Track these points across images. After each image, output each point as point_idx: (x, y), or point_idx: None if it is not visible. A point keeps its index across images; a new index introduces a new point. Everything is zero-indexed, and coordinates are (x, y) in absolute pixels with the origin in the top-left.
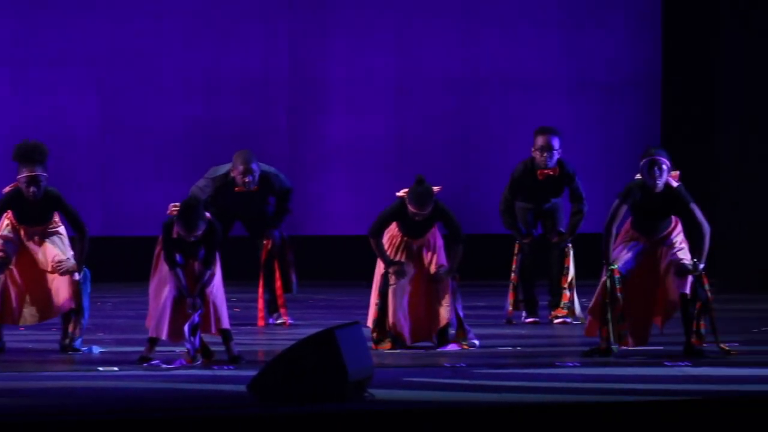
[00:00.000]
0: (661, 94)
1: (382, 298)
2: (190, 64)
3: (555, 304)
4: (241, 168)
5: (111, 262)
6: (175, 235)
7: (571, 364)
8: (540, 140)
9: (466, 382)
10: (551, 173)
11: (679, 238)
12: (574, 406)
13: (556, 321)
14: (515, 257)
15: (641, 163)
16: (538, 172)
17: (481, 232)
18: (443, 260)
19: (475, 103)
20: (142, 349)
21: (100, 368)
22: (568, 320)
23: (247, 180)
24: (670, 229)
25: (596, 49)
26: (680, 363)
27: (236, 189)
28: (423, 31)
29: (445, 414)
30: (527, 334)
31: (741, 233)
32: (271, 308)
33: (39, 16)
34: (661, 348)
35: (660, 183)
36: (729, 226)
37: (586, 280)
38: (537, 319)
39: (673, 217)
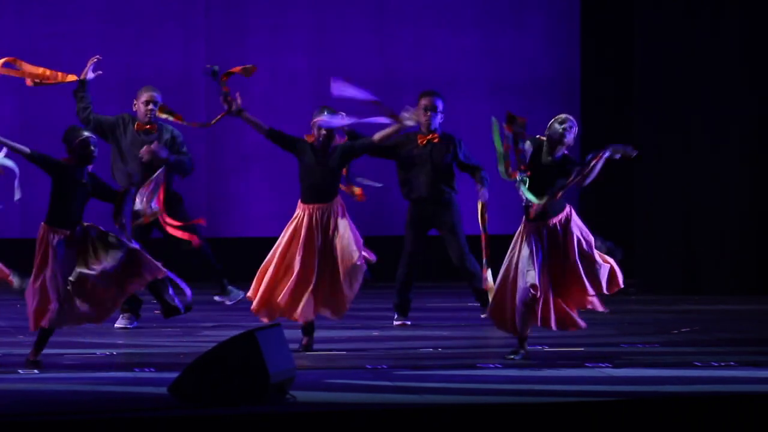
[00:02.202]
0: (580, 94)
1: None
2: (106, 66)
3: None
4: (144, 96)
5: (29, 264)
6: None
7: (492, 366)
8: (424, 101)
9: (388, 383)
10: (432, 138)
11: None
12: (496, 407)
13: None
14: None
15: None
16: (419, 137)
17: (390, 233)
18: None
19: (394, 105)
20: (62, 351)
21: (21, 371)
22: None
23: (149, 108)
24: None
25: (514, 49)
26: (601, 364)
27: (136, 126)
28: (340, 30)
29: (366, 415)
30: (449, 335)
31: (660, 234)
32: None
33: None
34: (582, 350)
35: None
36: (648, 226)
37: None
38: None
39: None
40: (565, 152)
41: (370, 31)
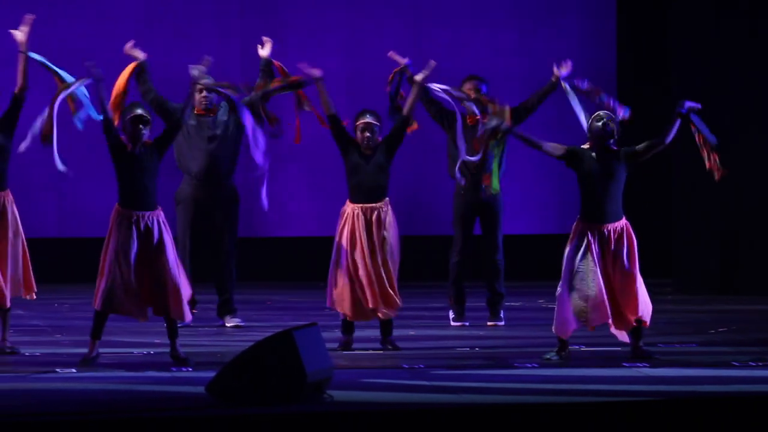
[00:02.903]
0: (616, 94)
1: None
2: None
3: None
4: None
5: (67, 264)
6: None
7: (529, 365)
8: (468, 85)
9: (425, 383)
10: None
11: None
12: (533, 407)
13: None
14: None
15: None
16: (468, 118)
17: (432, 233)
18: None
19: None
20: (99, 351)
21: (58, 369)
22: None
23: (203, 95)
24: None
25: (549, 49)
26: (638, 364)
27: (195, 111)
28: (375, 31)
29: (403, 415)
30: (486, 335)
31: (697, 233)
32: (224, 309)
33: None
34: (619, 349)
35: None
36: (685, 226)
37: (529, 281)
38: (465, 323)
39: None
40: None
41: (405, 31)
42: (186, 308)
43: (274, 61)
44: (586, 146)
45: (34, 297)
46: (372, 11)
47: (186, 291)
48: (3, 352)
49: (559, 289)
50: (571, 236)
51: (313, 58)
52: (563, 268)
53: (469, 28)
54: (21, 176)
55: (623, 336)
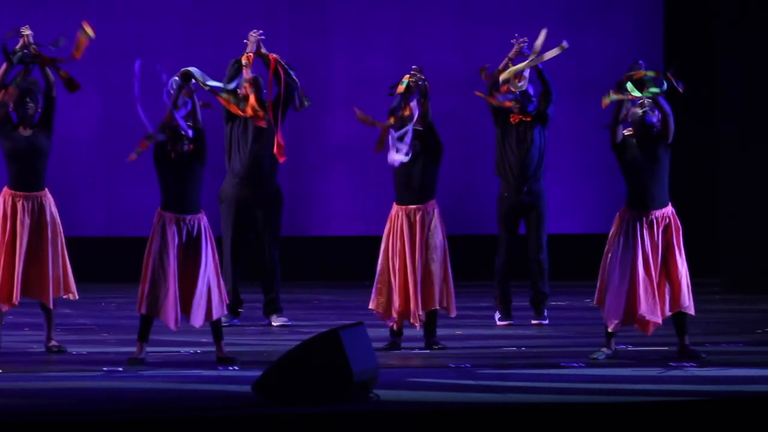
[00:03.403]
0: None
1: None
2: (190, 63)
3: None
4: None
5: (114, 263)
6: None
7: (576, 365)
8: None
9: (471, 382)
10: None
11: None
12: (579, 406)
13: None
14: None
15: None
16: (512, 117)
17: (481, 232)
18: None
19: (476, 103)
20: (147, 350)
21: (105, 368)
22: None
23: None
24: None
25: (598, 48)
26: (685, 364)
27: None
28: (423, 30)
29: (449, 415)
30: (532, 334)
31: (745, 232)
32: (270, 309)
33: (40, 15)
34: (666, 349)
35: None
36: (733, 225)
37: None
38: (511, 322)
39: None
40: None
41: (452, 29)
42: (215, 310)
43: (271, 55)
44: (627, 132)
45: (73, 297)
46: (420, 11)
47: (222, 295)
48: (50, 351)
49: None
50: (616, 222)
51: (361, 57)
52: (607, 257)
53: (517, 28)
54: (68, 176)
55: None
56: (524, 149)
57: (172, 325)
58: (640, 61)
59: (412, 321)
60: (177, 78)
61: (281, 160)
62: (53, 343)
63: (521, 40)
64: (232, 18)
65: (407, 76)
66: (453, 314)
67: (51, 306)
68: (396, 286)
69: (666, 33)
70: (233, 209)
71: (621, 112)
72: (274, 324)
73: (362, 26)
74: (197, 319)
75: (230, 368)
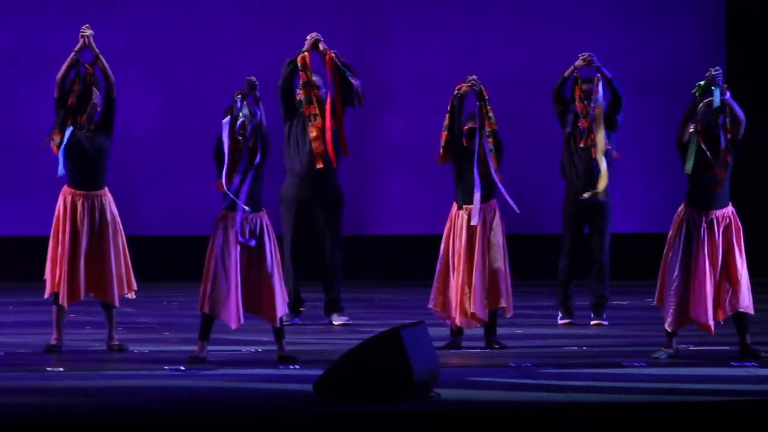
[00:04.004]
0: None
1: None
2: (250, 63)
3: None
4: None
5: (175, 262)
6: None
7: (637, 364)
8: (584, 87)
9: (532, 381)
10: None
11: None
12: (641, 406)
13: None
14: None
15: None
16: (580, 121)
17: (544, 232)
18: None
19: (537, 103)
20: (208, 348)
21: (166, 367)
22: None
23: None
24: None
25: (657, 48)
26: (746, 363)
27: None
28: (483, 29)
29: (510, 414)
30: (594, 333)
31: None
32: (332, 308)
33: (100, 16)
34: (728, 348)
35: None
36: None
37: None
38: (572, 321)
39: None
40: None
41: (513, 29)
42: (278, 312)
43: (330, 52)
44: (692, 130)
45: (134, 296)
46: (480, 10)
47: (284, 294)
48: (111, 349)
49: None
50: (675, 222)
51: (421, 56)
52: (667, 257)
53: (576, 28)
54: (130, 175)
55: (712, 328)
56: (591, 154)
57: (233, 324)
58: (718, 68)
59: (466, 322)
60: (240, 94)
61: (333, 164)
62: (115, 341)
63: (587, 55)
64: (293, 17)
65: (463, 84)
66: (509, 314)
67: (117, 304)
68: (455, 285)
69: (727, 33)
70: (293, 209)
71: (694, 112)
72: (335, 323)
73: (422, 25)
74: (272, 316)
75: (291, 367)
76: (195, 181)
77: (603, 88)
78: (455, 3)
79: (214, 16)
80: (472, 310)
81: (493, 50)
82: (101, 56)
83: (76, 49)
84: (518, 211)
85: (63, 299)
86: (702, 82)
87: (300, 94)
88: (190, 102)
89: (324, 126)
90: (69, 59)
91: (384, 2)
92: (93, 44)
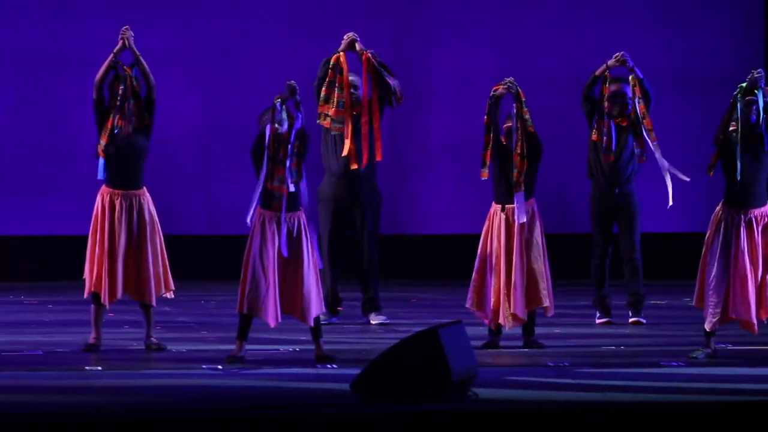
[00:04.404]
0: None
1: None
2: (291, 63)
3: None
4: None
5: (215, 261)
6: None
7: (675, 364)
8: (613, 87)
9: (570, 381)
10: (620, 122)
11: None
12: (679, 405)
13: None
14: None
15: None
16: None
17: (580, 231)
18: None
19: (577, 102)
20: (246, 348)
21: (204, 366)
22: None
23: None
24: None
25: (698, 47)
26: None
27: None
28: (523, 29)
29: (548, 414)
30: (631, 333)
31: None
32: (369, 307)
33: (140, 17)
34: (766, 348)
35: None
36: None
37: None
38: (610, 320)
39: None
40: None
41: (553, 29)
42: (313, 312)
43: (367, 52)
44: (732, 129)
45: (172, 295)
46: (520, 9)
47: (319, 295)
48: (149, 348)
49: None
50: (713, 222)
51: (461, 56)
52: (706, 256)
53: (617, 27)
54: (169, 175)
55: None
56: (617, 153)
57: (272, 322)
58: (761, 71)
59: (502, 321)
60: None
61: (363, 165)
62: (153, 340)
63: (621, 54)
64: (334, 17)
65: (499, 85)
66: (551, 314)
67: (153, 304)
68: (493, 284)
69: (767, 30)
70: (331, 208)
71: (733, 113)
72: (372, 322)
73: (463, 25)
74: (306, 316)
75: (329, 366)
76: (232, 180)
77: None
78: (495, 2)
79: (252, 16)
80: (512, 311)
81: (532, 49)
82: (141, 57)
83: (115, 50)
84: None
85: (103, 298)
86: (744, 84)
87: (324, 92)
88: (228, 102)
89: (353, 128)
90: (108, 61)
91: (422, 2)
92: (133, 45)
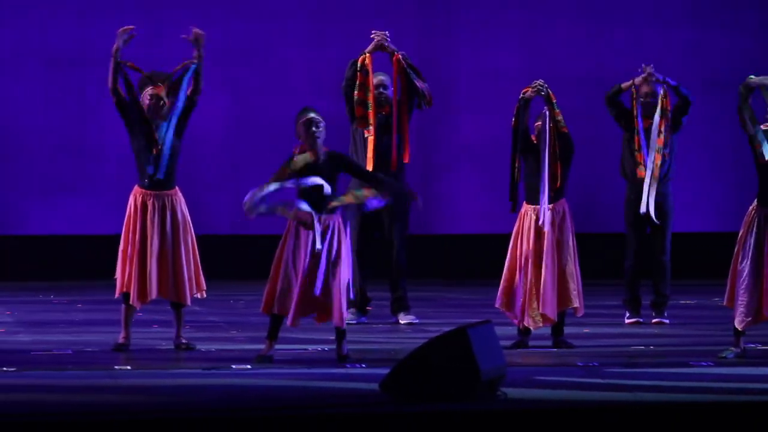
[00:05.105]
0: None
1: None
2: (317, 63)
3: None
4: (376, 80)
5: (242, 261)
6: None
7: (705, 364)
8: (644, 88)
9: (599, 381)
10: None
11: None
12: (708, 405)
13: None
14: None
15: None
16: (643, 121)
17: (610, 231)
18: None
19: (602, 102)
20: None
21: (233, 366)
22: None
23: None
24: None
25: (726, 46)
26: None
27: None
28: (549, 29)
29: (577, 413)
30: (660, 333)
31: None
32: (398, 306)
33: (169, 16)
34: None
35: None
36: None
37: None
38: (639, 320)
39: None
40: None
41: (579, 29)
42: (344, 314)
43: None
44: (765, 126)
45: (204, 295)
46: (546, 9)
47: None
48: (179, 348)
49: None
50: (745, 221)
51: (487, 56)
52: (738, 256)
53: (644, 27)
54: (198, 174)
55: None
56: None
57: (293, 323)
58: None
59: (527, 322)
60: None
61: (393, 167)
62: (183, 340)
63: (649, 70)
64: (361, 17)
65: (528, 88)
66: (580, 314)
67: (189, 303)
68: (522, 285)
69: None
70: (360, 212)
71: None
72: (401, 322)
73: (489, 25)
74: (336, 317)
75: (358, 366)
76: (260, 179)
77: (670, 95)
78: (521, 2)
79: (281, 16)
80: (542, 311)
81: (557, 49)
82: (202, 59)
83: (113, 50)
84: None
85: (133, 299)
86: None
87: (357, 94)
88: (256, 101)
89: (382, 126)
90: (112, 64)
91: (450, 2)
92: (202, 47)
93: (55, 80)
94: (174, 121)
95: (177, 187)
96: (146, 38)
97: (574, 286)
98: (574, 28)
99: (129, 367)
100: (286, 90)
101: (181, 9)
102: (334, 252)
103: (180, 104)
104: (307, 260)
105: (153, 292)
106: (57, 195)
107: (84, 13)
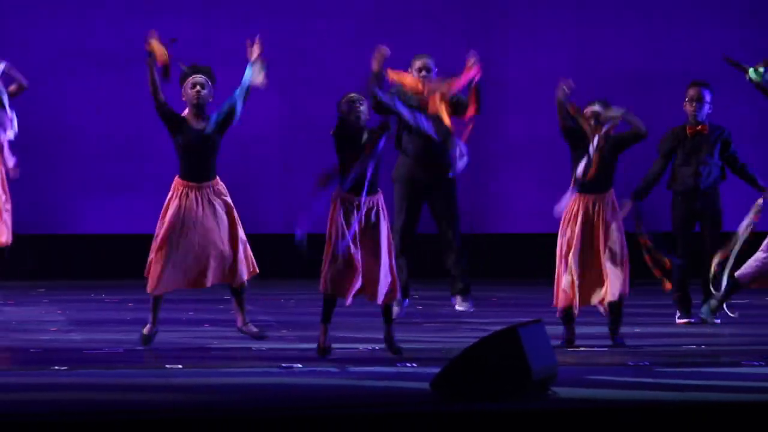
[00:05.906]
0: None
1: None
2: (365, 61)
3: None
4: (417, 63)
5: (293, 259)
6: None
7: (757, 363)
8: (691, 91)
9: (650, 380)
10: (701, 129)
11: None
12: (760, 405)
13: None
14: None
15: None
16: (688, 128)
17: (660, 229)
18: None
19: (655, 101)
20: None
21: (284, 365)
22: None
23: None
24: None
25: None
26: None
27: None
28: (600, 29)
29: (628, 413)
30: (712, 332)
31: None
32: (456, 288)
33: (218, 16)
34: None
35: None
36: None
37: None
38: (690, 320)
39: None
40: None
41: (632, 29)
42: (396, 293)
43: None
44: None
45: (257, 271)
46: (598, 8)
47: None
48: (250, 335)
49: None
50: None
51: (537, 56)
52: None
53: (697, 25)
54: (248, 173)
55: None
56: (697, 161)
57: (348, 300)
58: None
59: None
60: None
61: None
62: (252, 327)
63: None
64: (408, 16)
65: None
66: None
67: (246, 280)
68: (567, 276)
69: None
70: (407, 190)
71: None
72: (457, 308)
73: (538, 25)
74: (381, 297)
75: (408, 365)
76: (310, 177)
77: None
78: (570, 1)
79: (329, 15)
80: (589, 299)
81: (608, 48)
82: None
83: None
84: None
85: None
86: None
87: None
88: (305, 100)
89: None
90: (150, 74)
91: (498, 2)
92: (259, 48)
93: (102, 81)
94: (215, 118)
95: (218, 176)
96: (190, 38)
97: (624, 276)
98: (626, 28)
99: (180, 366)
100: (336, 90)
101: (230, 8)
102: (379, 232)
103: (225, 108)
104: (356, 241)
105: (207, 280)
106: (108, 194)
107: (131, 12)
